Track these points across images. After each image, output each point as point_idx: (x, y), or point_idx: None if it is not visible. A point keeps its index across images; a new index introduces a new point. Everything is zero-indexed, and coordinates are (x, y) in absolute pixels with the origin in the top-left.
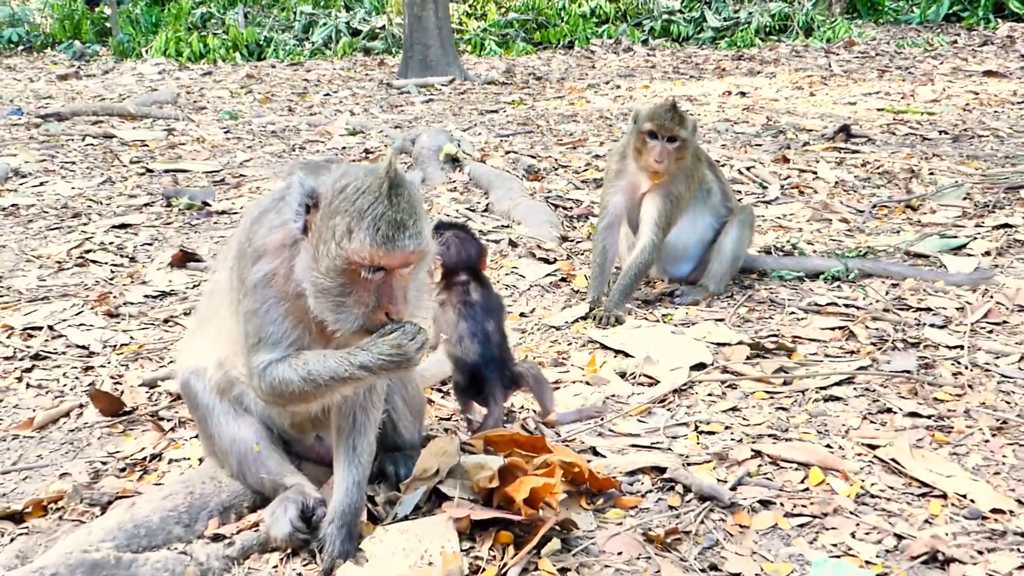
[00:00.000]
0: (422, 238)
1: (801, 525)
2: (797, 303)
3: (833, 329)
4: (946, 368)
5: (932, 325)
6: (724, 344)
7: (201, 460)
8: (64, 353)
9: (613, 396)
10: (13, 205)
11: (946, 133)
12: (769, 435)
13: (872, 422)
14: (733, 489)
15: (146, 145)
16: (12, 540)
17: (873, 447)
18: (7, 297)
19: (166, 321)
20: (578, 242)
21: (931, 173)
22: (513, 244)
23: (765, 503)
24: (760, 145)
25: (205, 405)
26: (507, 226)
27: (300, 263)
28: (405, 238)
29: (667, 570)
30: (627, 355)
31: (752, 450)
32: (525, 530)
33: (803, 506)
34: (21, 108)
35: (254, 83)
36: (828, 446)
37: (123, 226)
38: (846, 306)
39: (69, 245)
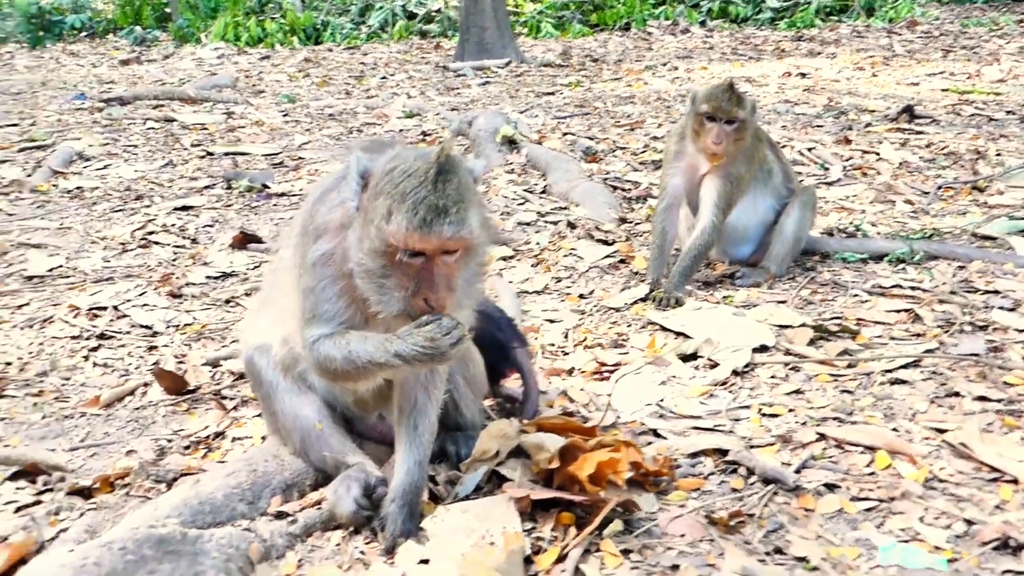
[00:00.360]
0: (464, 226)
1: (868, 509)
2: (861, 285)
3: (898, 311)
4: (1016, 351)
5: (1001, 308)
6: (787, 326)
7: (264, 438)
8: (129, 333)
9: (674, 378)
10: (78, 188)
11: (1013, 114)
12: (834, 418)
13: (940, 406)
14: (798, 472)
15: (206, 128)
16: (81, 515)
17: (941, 431)
18: (73, 278)
19: (227, 301)
20: (637, 224)
21: (998, 154)
22: (571, 226)
23: (830, 487)
24: (821, 126)
25: (269, 382)
26: (565, 208)
27: (351, 242)
28: (443, 224)
29: (731, 553)
30: (687, 337)
31: (816, 433)
32: (587, 511)
33: (870, 490)
34: (84, 93)
35: (311, 67)
36: (895, 429)
37: (184, 208)
38: (911, 288)
39: (132, 227)
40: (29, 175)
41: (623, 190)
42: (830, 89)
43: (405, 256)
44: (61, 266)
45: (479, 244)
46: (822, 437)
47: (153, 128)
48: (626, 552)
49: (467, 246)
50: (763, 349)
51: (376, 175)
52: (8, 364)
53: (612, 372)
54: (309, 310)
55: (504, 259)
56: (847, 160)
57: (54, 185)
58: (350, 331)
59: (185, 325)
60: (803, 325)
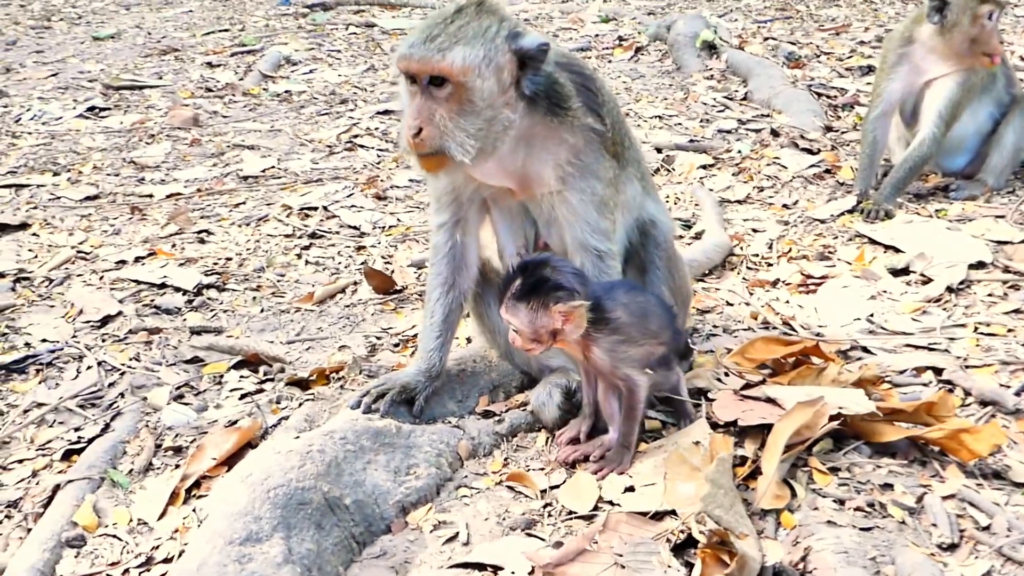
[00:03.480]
0: (445, 55)
1: None
2: None
3: None
4: None
5: None
6: (1005, 242)
7: (468, 340)
8: (338, 233)
9: (884, 292)
10: (287, 91)
11: None
12: None
13: None
14: (1017, 395)
15: (405, 34)
16: (300, 404)
17: None
18: (285, 179)
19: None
20: (843, 132)
21: None
22: (775, 134)
23: None
24: None
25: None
26: (767, 115)
27: None
28: (423, 47)
29: (948, 474)
30: (898, 251)
31: None
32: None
33: None
34: None
35: None
36: None
37: (386, 112)
38: None
39: (338, 130)
40: (241, 79)
41: (828, 97)
42: None
43: (407, 85)
44: (273, 167)
45: (468, 83)
46: None
47: (355, 33)
48: (834, 470)
49: (450, 77)
50: (980, 266)
51: None
52: (228, 259)
53: (819, 285)
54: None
55: (704, 167)
56: None
57: (264, 89)
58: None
59: (390, 227)
60: (1023, 242)
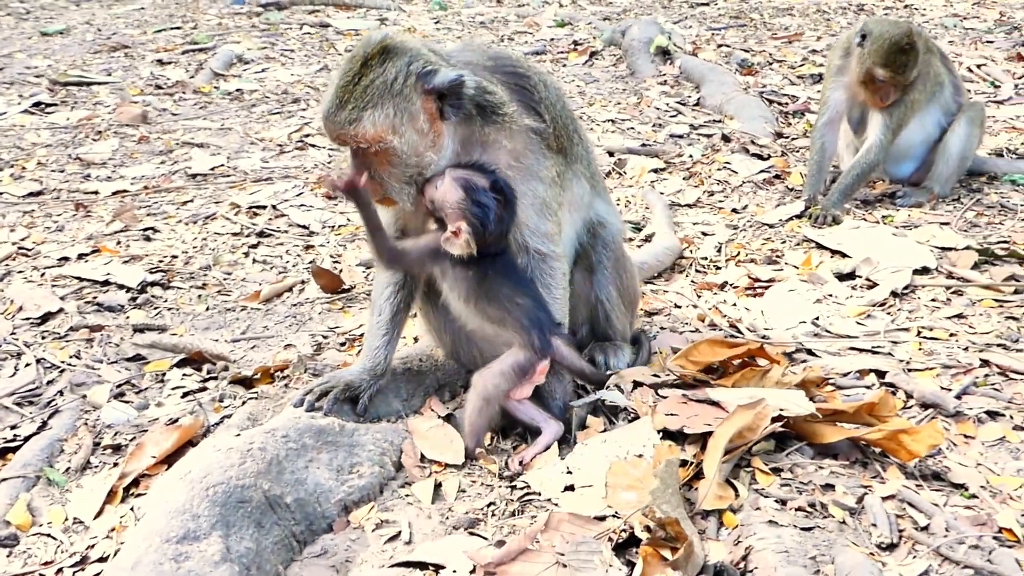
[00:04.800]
0: (355, 125)
1: None
2: None
3: None
4: None
5: None
6: (949, 248)
7: (416, 339)
8: (287, 232)
9: (830, 296)
10: (238, 90)
11: None
12: (998, 345)
13: None
14: (958, 398)
15: (359, 34)
16: (244, 403)
17: None
18: (234, 177)
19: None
20: (793, 139)
21: None
22: (726, 139)
23: (992, 414)
24: (992, 42)
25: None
26: (719, 121)
27: None
28: (334, 115)
29: (889, 475)
30: (845, 255)
31: (979, 359)
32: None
33: None
34: None
35: None
36: None
37: None
38: None
39: (289, 129)
40: (192, 77)
41: (780, 104)
42: (1003, 3)
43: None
44: (223, 165)
45: (385, 144)
46: (985, 364)
47: (309, 33)
48: (776, 471)
49: (366, 144)
50: (924, 271)
51: None
52: (174, 257)
53: (766, 288)
54: None
55: (656, 171)
56: (1019, 78)
57: (215, 87)
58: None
59: (340, 226)
60: (967, 248)
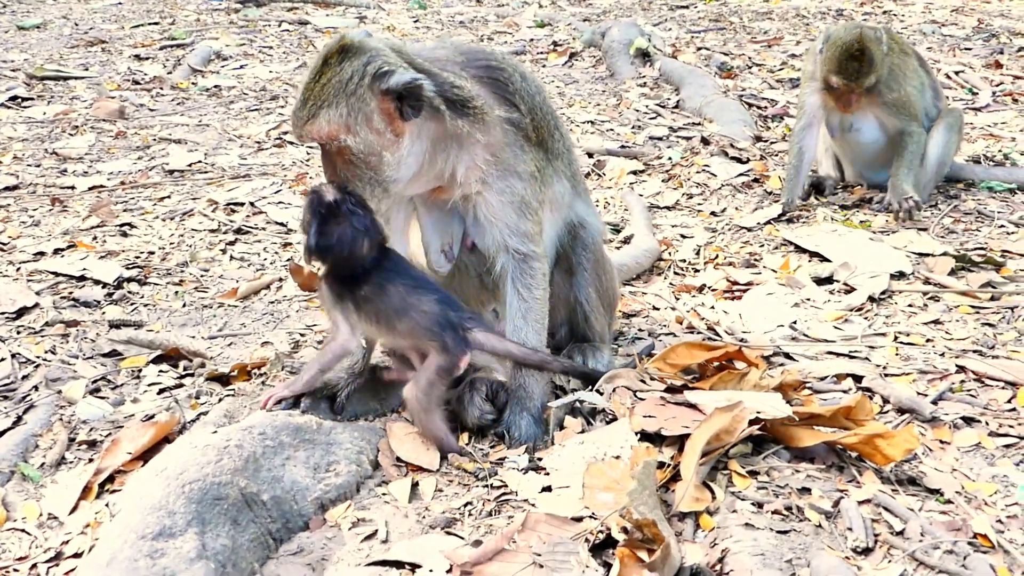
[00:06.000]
0: (311, 124)
1: (1007, 446)
2: (1007, 216)
3: None
4: None
5: None
6: (926, 254)
7: None
8: (264, 229)
9: (808, 300)
10: (216, 86)
11: None
12: (974, 351)
13: None
14: (934, 403)
15: (338, 32)
16: (220, 400)
17: None
18: (211, 173)
19: None
20: (772, 143)
21: None
22: (705, 142)
23: (968, 420)
24: (970, 49)
25: None
26: (698, 123)
27: None
28: (295, 113)
29: (865, 479)
30: (823, 260)
31: (956, 365)
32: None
33: (1010, 426)
34: None
35: None
36: None
37: None
38: None
39: (268, 126)
40: (170, 72)
41: (759, 108)
42: (980, 10)
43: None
44: (200, 161)
45: (341, 142)
46: (961, 369)
47: (287, 30)
48: (753, 473)
49: (323, 143)
50: (901, 276)
51: None
52: (151, 253)
53: (744, 291)
54: None
55: (635, 173)
56: (997, 85)
57: (193, 83)
58: None
59: None
60: (944, 254)
